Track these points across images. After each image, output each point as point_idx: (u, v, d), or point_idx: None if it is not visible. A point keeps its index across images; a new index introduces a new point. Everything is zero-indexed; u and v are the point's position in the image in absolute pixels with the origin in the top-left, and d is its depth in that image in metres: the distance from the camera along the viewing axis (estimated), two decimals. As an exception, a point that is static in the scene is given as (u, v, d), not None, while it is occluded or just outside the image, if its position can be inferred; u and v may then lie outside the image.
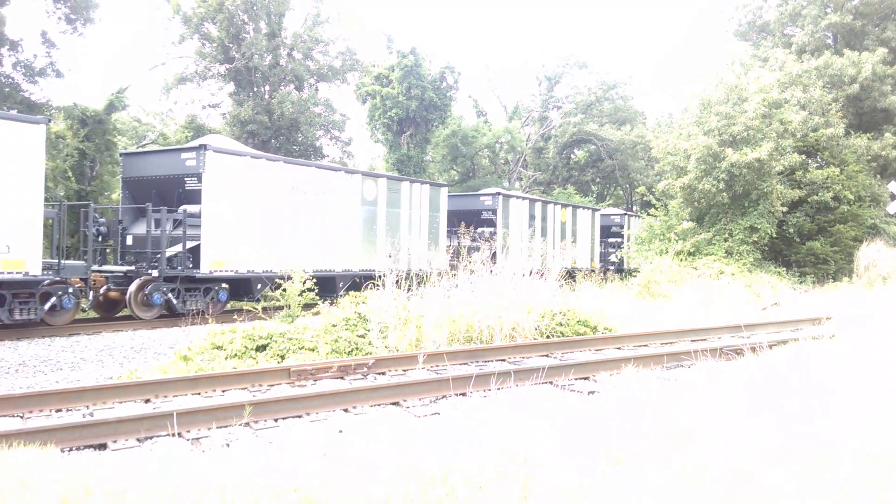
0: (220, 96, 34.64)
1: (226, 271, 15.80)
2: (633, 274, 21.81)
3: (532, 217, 26.29)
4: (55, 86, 54.55)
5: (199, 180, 15.36)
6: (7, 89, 23.88)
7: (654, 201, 27.75)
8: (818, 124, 27.18)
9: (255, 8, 31.56)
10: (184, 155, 15.72)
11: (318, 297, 14.57)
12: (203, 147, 15.39)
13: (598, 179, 51.16)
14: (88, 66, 57.33)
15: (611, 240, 33.59)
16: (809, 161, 28.58)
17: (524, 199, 25.78)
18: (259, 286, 16.52)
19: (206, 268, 15.32)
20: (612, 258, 31.23)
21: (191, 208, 15.43)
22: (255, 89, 32.97)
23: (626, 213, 33.88)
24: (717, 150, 23.39)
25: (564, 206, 29.08)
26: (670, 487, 4.19)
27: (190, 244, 15.15)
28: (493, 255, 20.76)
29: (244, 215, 16.16)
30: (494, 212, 24.60)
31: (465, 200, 26.64)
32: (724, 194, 23.86)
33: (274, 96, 32.39)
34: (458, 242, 21.60)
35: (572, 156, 50.60)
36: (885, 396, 6.52)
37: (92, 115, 26.44)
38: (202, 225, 15.27)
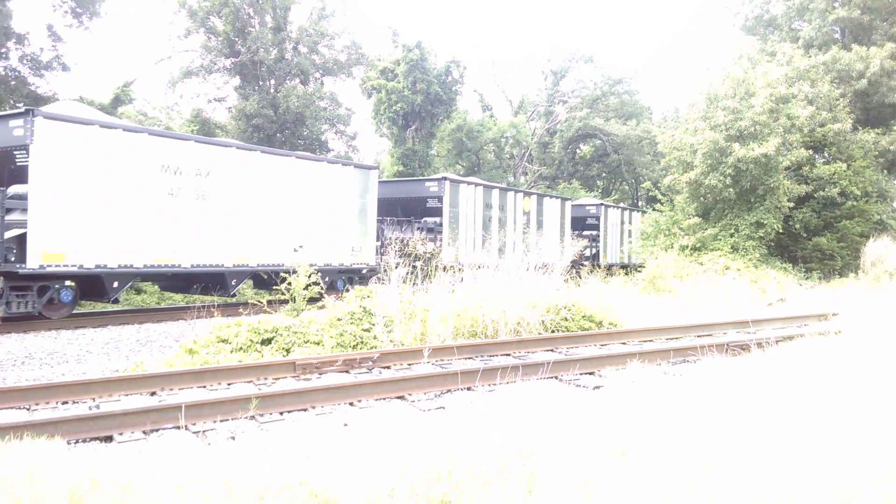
0: (225, 90, 34.69)
1: (66, 266, 12.79)
2: (613, 272, 20.84)
3: (488, 206, 23.86)
4: (61, 79, 54.56)
5: (28, 153, 12.36)
6: (13, 82, 23.95)
7: (659, 196, 27.69)
8: (825, 119, 27.07)
9: (260, 2, 31.55)
10: (11, 123, 12.65)
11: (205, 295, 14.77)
12: (30, 112, 12.37)
13: (603, 174, 51.06)
14: (94, 59, 57.42)
15: (585, 232, 31.43)
16: (816, 156, 28.49)
17: (477, 185, 23.48)
18: (115, 284, 13.64)
19: (35, 262, 12.34)
20: (587, 252, 29.36)
21: (18, 188, 12.82)
22: (261, 83, 32.97)
23: (601, 204, 32.03)
24: (723, 146, 23.32)
25: (528, 194, 26.74)
26: (676, 482, 4.18)
27: (16, 232, 12.38)
28: (440, 248, 21.04)
29: (92, 198, 13.17)
30: (440, 199, 21.95)
31: (407, 186, 24.39)
32: (731, 189, 23.80)
33: (279, 90, 32.38)
34: (393, 233, 20.69)
35: (578, 150, 50.50)
36: (889, 395, 6.50)
37: (98, 109, 26.50)
38: (29, 209, 12.33)
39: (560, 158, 48.09)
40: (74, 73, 32.64)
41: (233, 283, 15.83)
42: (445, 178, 22.14)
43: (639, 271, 23.16)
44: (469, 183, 23.29)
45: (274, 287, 13.27)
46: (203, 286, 15.76)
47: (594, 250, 30.80)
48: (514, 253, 18.94)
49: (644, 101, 51.03)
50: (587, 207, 32.32)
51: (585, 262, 26.97)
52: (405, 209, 22.64)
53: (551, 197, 28.45)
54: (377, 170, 20.06)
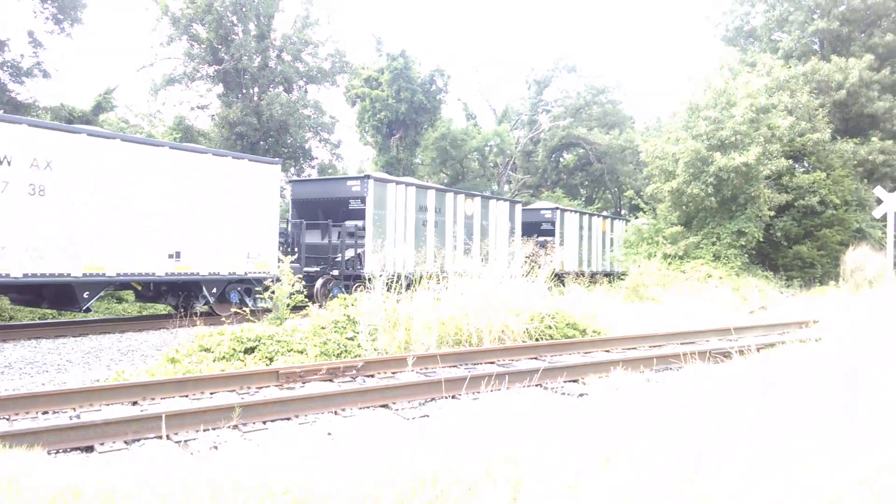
0: (208, 98, 34.53)
1: None
2: (564, 283, 19.74)
3: (422, 208, 21.74)
4: (42, 86, 54.06)
5: None
6: (-7, 89, 23.70)
7: (642, 205, 27.86)
8: (805, 129, 27.41)
9: (244, 9, 31.48)
10: None
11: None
12: None
13: (586, 183, 51.32)
14: (76, 66, 56.99)
15: (540, 238, 28.92)
16: (796, 166, 28.82)
17: (409, 185, 21.50)
18: None
19: None
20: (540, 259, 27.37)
21: None
22: (244, 91, 32.87)
23: (557, 208, 29.82)
24: (705, 155, 23.53)
25: (471, 195, 24.43)
26: (662, 488, 4.20)
27: None
28: (360, 256, 19.64)
29: None
30: (363, 200, 19.73)
31: (328, 186, 21.78)
32: (712, 198, 24.01)
33: (263, 98, 32.30)
34: (312, 239, 19.43)
35: (561, 159, 50.75)
36: (868, 401, 6.56)
37: (79, 116, 26.31)
38: None
39: (544, 167, 48.31)
40: (55, 79, 32.34)
41: (84, 295, 13.26)
42: (369, 177, 20.01)
43: (605, 282, 22.87)
44: (399, 182, 21.29)
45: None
46: (51, 299, 13.81)
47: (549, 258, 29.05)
48: (454, 262, 18.79)
49: (627, 111, 51.41)
50: (542, 212, 30.28)
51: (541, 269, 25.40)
52: (327, 212, 20.62)
53: (499, 199, 26.29)
54: (279, 164, 17.69)
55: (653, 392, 7.62)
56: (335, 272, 19.18)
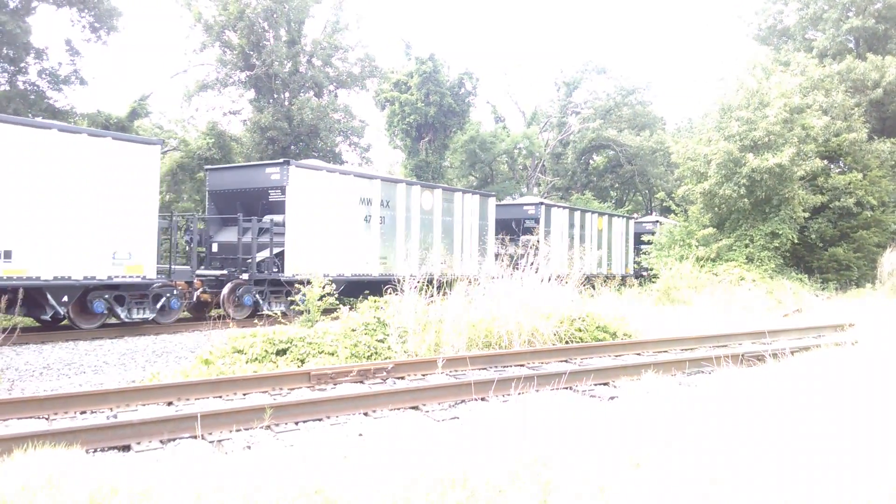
0: (240, 103, 34.97)
1: None
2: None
3: (365, 201, 18.70)
4: (79, 93, 55.20)
5: None
6: (32, 97, 24.30)
7: (674, 207, 27.58)
8: (840, 129, 26.93)
9: (275, 16, 31.84)
10: None
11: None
12: None
13: (616, 185, 51.00)
14: (112, 73, 58.12)
15: (523, 237, 25.66)
16: (832, 166, 28.33)
17: (344, 173, 18.44)
18: None
19: None
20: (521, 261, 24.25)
21: None
22: (276, 96, 33.24)
23: (540, 203, 26.77)
24: (737, 156, 23.25)
25: (429, 187, 21.62)
26: (691, 494, 4.17)
27: None
28: (278, 257, 16.82)
29: None
30: (283, 190, 16.73)
31: (245, 175, 18.42)
32: (745, 200, 23.71)
33: (294, 103, 32.63)
34: (226, 238, 17.33)
35: (591, 161, 50.48)
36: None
37: (115, 123, 26.85)
38: None
39: (573, 169, 48.09)
40: (92, 87, 32.97)
41: None
42: (289, 162, 16.88)
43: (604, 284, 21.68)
44: (332, 170, 18.31)
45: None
46: None
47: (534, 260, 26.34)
48: (406, 261, 17.16)
49: (657, 112, 50.99)
50: (524, 208, 27.31)
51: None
52: (246, 205, 17.49)
53: (466, 192, 23.21)
54: (159, 145, 14.98)
55: (684, 396, 7.56)
56: (245, 276, 16.27)
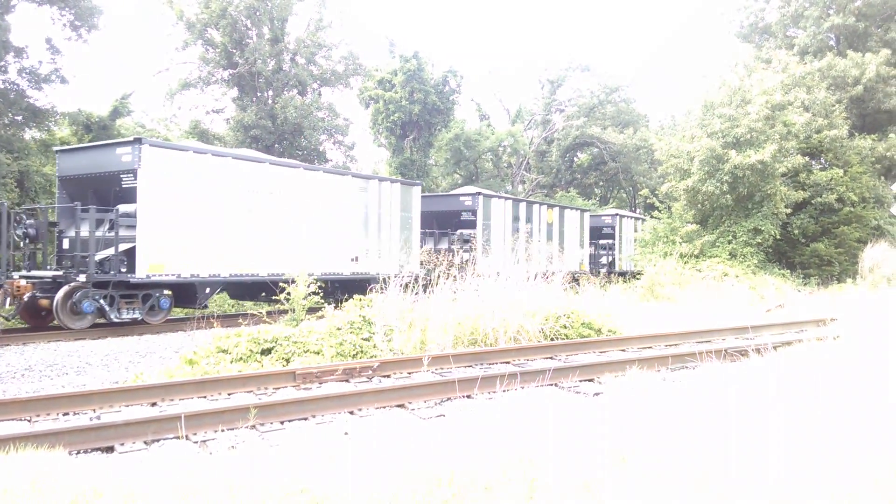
0: (223, 101, 34.78)
1: None
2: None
3: (252, 189, 16.04)
4: (60, 92, 54.70)
5: None
6: (12, 95, 24.00)
7: (657, 204, 27.75)
8: (822, 126, 27.20)
9: (257, 13, 31.68)
10: None
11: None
12: None
13: (601, 182, 51.20)
14: (93, 72, 57.59)
15: (462, 231, 23.70)
16: (813, 163, 28.62)
17: (219, 154, 15.76)
18: None
19: None
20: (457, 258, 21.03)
21: None
22: (259, 94, 33.08)
23: (478, 193, 23.92)
24: (720, 153, 23.42)
25: (330, 172, 18.99)
26: (677, 488, 4.20)
27: None
28: (128, 254, 14.03)
29: None
30: (136, 174, 13.88)
31: (96, 157, 15.00)
32: (728, 196, 23.89)
33: (277, 101, 32.48)
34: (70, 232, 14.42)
35: (575, 159, 50.64)
36: (885, 401, 6.52)
37: (97, 121, 26.61)
38: None
39: (558, 167, 48.21)
40: (73, 85, 32.77)
41: None
42: (140, 141, 13.98)
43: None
44: (200, 152, 15.32)
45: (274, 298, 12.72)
46: None
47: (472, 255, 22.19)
48: (303, 259, 15.83)
49: (641, 109, 51.23)
50: (461, 198, 24.42)
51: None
52: (100, 193, 14.97)
53: (384, 181, 20.05)
54: None
55: (669, 391, 7.61)
56: (82, 277, 13.56)
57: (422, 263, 18.12)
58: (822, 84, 28.17)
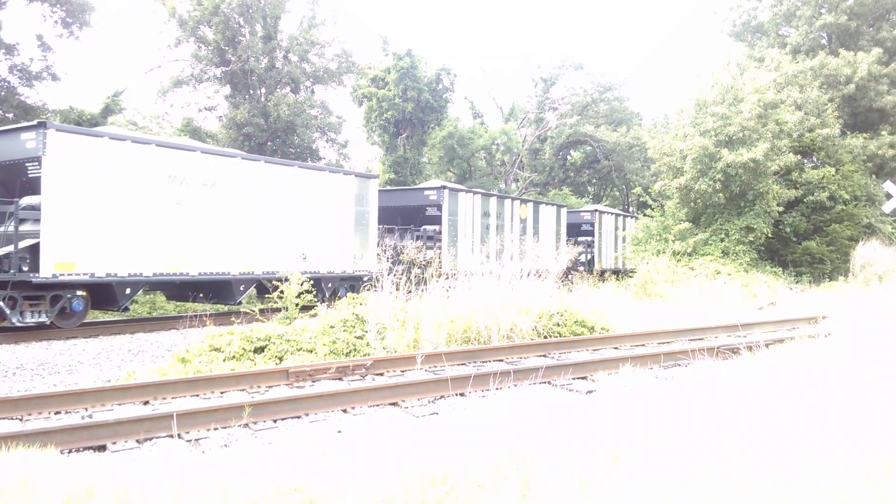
0: (216, 99, 34.67)
1: None
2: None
3: (178, 179, 14.54)
4: (51, 89, 54.44)
5: None
6: (3, 93, 23.88)
7: (650, 202, 27.81)
8: (814, 125, 27.29)
9: (250, 11, 31.58)
10: None
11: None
12: None
13: (594, 181, 51.26)
14: (84, 69, 57.31)
15: (426, 227, 22.21)
16: (805, 161, 28.71)
17: (142, 143, 14.13)
18: None
19: None
20: (421, 256, 20.16)
21: None
22: (251, 92, 32.98)
23: (443, 187, 22.53)
24: (712, 151, 23.46)
25: (281, 164, 17.31)
26: (670, 485, 4.21)
27: None
28: (35, 248, 12.46)
29: None
30: (40, 162, 12.53)
31: None
32: (721, 194, 23.94)
33: (270, 99, 32.39)
34: None
35: (568, 157, 50.68)
36: (876, 398, 6.55)
37: (88, 119, 26.47)
38: None
39: (551, 165, 48.25)
40: (65, 82, 32.63)
41: None
42: (45, 125, 12.54)
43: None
44: (118, 138, 13.76)
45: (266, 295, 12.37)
46: None
47: (437, 252, 21.73)
48: (243, 257, 15.04)
49: (634, 108, 51.32)
50: (425, 192, 22.93)
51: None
52: (7, 185, 13.93)
53: (337, 172, 18.68)
54: None
55: (661, 388, 7.62)
56: None
57: (389, 261, 16.52)
58: (814, 83, 28.27)
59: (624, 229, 32.95)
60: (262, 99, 32.96)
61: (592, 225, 31.75)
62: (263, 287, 15.67)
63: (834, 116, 28.34)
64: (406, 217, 22.79)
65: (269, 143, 32.50)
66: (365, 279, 18.37)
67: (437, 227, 22.17)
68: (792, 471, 4.39)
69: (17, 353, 11.26)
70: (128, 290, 13.63)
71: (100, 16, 42.59)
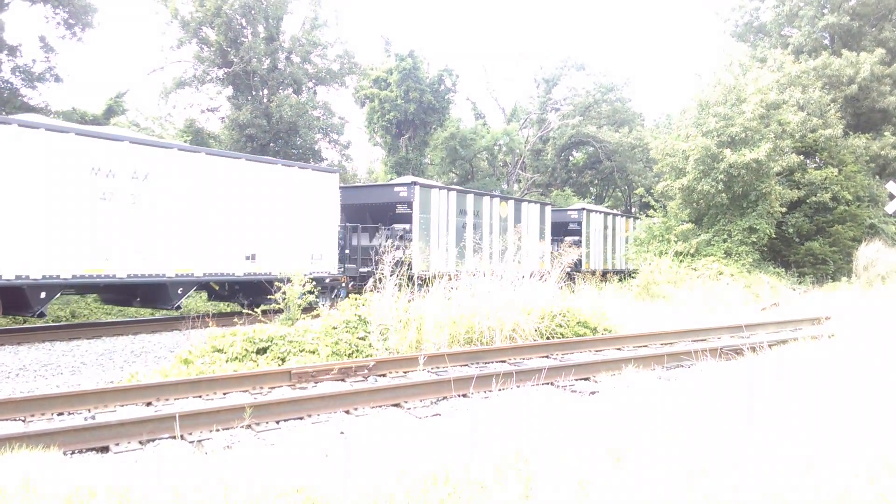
0: (218, 100, 34.67)
1: None
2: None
3: (103, 172, 13.23)
4: (54, 90, 54.53)
5: None
6: (6, 94, 23.93)
7: (652, 202, 27.77)
8: (816, 125, 27.25)
9: (252, 12, 31.59)
10: None
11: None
12: None
13: (596, 181, 51.19)
14: (87, 70, 57.38)
15: (395, 226, 20.88)
16: (808, 162, 28.66)
17: (59, 131, 12.83)
18: None
19: None
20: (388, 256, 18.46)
21: None
22: (254, 93, 32.99)
23: (414, 183, 21.18)
24: (715, 152, 23.44)
25: (223, 155, 16.26)
26: (672, 486, 4.20)
27: None
28: None
29: None
30: None
31: None
32: (723, 195, 23.92)
33: (272, 100, 32.41)
34: None
35: (571, 158, 50.63)
36: (879, 398, 6.53)
37: (91, 120, 26.49)
38: None
39: (553, 166, 48.22)
40: (67, 83, 32.62)
41: None
42: None
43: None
44: (30, 126, 12.46)
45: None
46: None
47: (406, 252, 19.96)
48: (183, 257, 14.12)
49: (636, 108, 51.22)
50: (395, 189, 21.57)
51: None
52: None
53: (289, 165, 17.34)
54: None
55: (664, 390, 7.61)
56: None
57: (356, 262, 15.51)
58: (816, 83, 28.23)
59: (614, 228, 32.28)
60: (265, 100, 32.97)
61: (580, 224, 30.21)
62: (246, 292, 15.09)
63: (836, 117, 28.31)
64: (376, 215, 21.54)
65: (271, 145, 32.51)
66: (326, 280, 17.43)
67: (407, 226, 20.90)
68: (795, 472, 4.38)
69: (19, 355, 11.28)
70: (42, 294, 12.29)
71: (102, 17, 42.67)
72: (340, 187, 19.47)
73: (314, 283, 14.38)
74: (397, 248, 19.37)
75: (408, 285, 12.02)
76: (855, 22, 31.43)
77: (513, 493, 4.10)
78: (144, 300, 14.74)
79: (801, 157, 26.96)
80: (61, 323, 15.12)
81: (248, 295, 16.19)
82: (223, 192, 15.36)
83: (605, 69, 50.67)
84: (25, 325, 14.90)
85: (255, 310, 12.20)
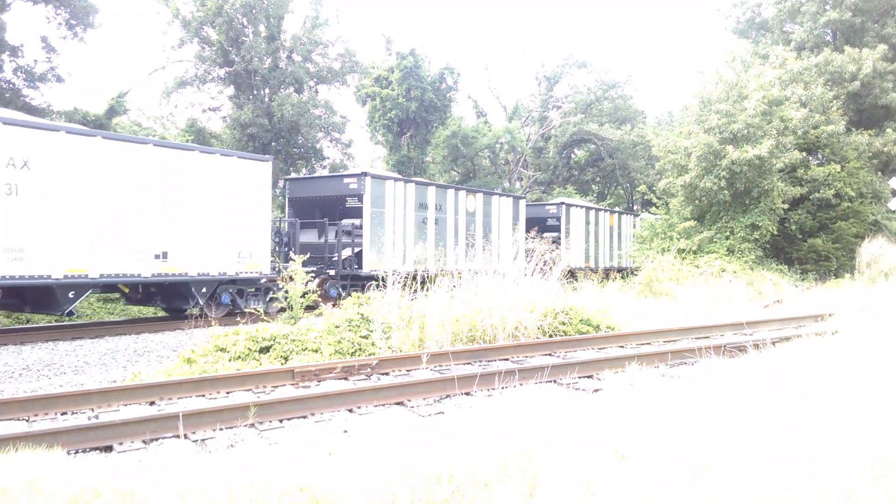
0: (220, 99, 34.65)
1: None
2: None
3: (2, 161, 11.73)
4: (56, 91, 54.41)
5: None
6: (8, 94, 23.95)
7: (655, 200, 27.71)
8: (819, 121, 27.21)
9: (254, 11, 31.57)
10: None
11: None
12: None
13: (598, 179, 51.14)
14: (89, 70, 57.40)
15: (343, 221, 19.48)
16: (810, 158, 28.62)
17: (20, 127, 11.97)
18: None
19: None
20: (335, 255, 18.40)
21: None
22: (255, 92, 32.97)
23: (363, 174, 19.44)
24: (717, 148, 23.42)
25: (140, 142, 14.52)
26: (677, 484, 4.19)
27: None
28: None
29: None
30: None
31: None
32: (726, 192, 23.89)
33: (274, 99, 32.39)
34: None
35: (573, 155, 50.58)
36: (885, 396, 6.51)
37: (93, 120, 26.53)
38: None
39: (555, 163, 48.17)
40: (69, 84, 32.54)
41: None
42: None
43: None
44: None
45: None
46: None
47: (355, 250, 19.37)
48: (92, 254, 12.74)
49: (638, 105, 51.14)
50: (345, 181, 19.77)
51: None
52: None
53: (216, 153, 15.60)
54: None
55: (667, 387, 7.60)
56: None
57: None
58: (819, 79, 28.17)
59: (597, 224, 29.93)
60: (266, 99, 32.96)
61: (559, 219, 27.87)
62: (163, 295, 14.22)
63: (839, 113, 28.25)
64: (324, 210, 20.00)
65: (273, 144, 32.51)
66: (262, 281, 15.99)
67: (356, 221, 19.25)
68: (800, 470, 4.36)
69: (22, 354, 11.29)
70: None
71: (104, 17, 42.62)
72: (288, 179, 18.48)
73: (245, 283, 13.53)
74: (345, 246, 18.56)
75: (379, 286, 11.73)
76: (857, 18, 31.36)
77: (517, 492, 4.09)
78: (34, 305, 13.15)
79: (804, 153, 26.92)
80: (64, 323, 15.11)
81: (165, 299, 14.92)
82: (126, 182, 13.50)
83: (607, 66, 50.83)
84: (29, 325, 14.93)
85: (258, 309, 12.17)
